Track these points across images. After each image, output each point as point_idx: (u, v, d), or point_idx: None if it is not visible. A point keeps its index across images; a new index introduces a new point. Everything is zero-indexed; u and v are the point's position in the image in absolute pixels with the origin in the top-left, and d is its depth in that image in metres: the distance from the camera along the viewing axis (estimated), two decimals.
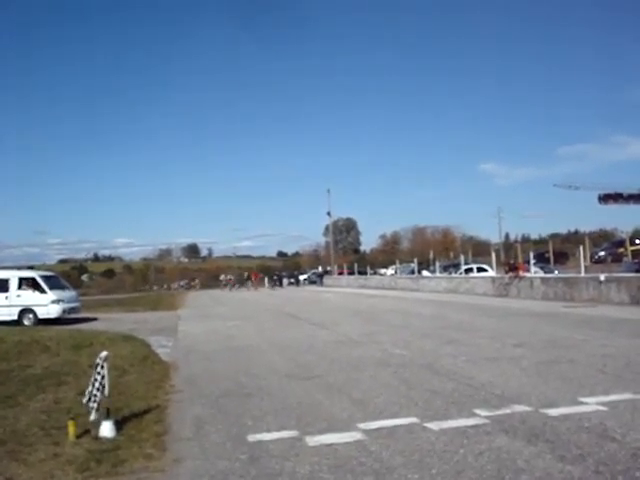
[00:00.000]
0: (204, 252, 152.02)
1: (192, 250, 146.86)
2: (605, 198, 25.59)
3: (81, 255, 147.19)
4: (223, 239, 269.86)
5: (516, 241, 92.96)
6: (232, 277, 72.88)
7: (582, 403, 7.75)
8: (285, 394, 9.22)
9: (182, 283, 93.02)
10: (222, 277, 74.90)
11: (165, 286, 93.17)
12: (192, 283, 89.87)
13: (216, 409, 8.45)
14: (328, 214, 79.14)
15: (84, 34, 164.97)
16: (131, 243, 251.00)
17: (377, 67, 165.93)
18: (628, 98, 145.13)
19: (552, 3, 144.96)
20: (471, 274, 42.47)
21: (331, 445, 6.39)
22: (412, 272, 51.94)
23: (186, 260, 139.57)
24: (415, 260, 51.97)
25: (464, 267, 44.80)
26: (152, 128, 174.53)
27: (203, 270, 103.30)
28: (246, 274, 75.54)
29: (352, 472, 5.57)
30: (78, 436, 7.01)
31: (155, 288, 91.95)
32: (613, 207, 27.14)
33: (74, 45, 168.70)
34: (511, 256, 54.37)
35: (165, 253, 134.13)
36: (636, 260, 37.45)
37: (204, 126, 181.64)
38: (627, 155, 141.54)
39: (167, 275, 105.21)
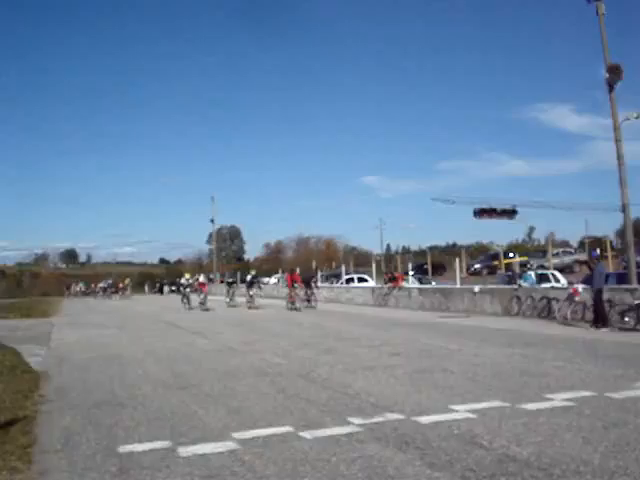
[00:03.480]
0: (83, 258, 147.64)
1: (70, 255, 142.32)
2: (480, 212, 26.49)
3: None
4: (103, 245, 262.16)
5: (397, 252, 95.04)
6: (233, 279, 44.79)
7: (453, 411, 7.94)
8: (159, 404, 9.03)
9: (103, 285, 69.15)
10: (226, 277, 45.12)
11: (67, 290, 76.93)
12: (120, 285, 67.73)
13: (87, 420, 8.18)
14: (212, 221, 78.50)
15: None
16: (5, 247, 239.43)
17: (259, 78, 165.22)
18: (504, 117, 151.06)
19: (442, 17, 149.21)
20: (352, 284, 43.04)
21: (204, 455, 6.30)
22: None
23: (64, 266, 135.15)
24: (297, 269, 52.22)
25: (345, 277, 45.34)
26: (31, 126, 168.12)
27: (81, 276, 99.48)
28: (285, 275, 44.05)
29: None
30: None
31: (73, 293, 75.04)
32: (488, 221, 28.19)
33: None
34: (392, 267, 55.45)
35: (41, 258, 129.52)
36: (509, 272, 38.88)
37: (86, 129, 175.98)
38: (502, 172, 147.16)
39: (42, 280, 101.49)
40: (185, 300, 36.90)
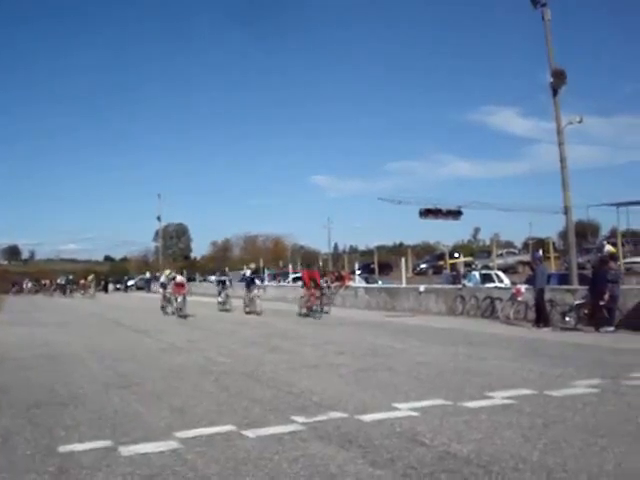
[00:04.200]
0: (26, 254, 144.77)
1: (12, 252, 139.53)
2: (425, 213, 26.87)
3: None
4: (47, 241, 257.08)
5: (344, 251, 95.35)
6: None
7: (396, 409, 8.00)
8: (101, 403, 8.90)
9: (61, 281, 64.62)
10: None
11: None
12: (82, 282, 60.29)
13: (27, 419, 8.01)
14: (158, 219, 77.94)
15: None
16: None
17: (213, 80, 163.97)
18: (452, 119, 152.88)
19: (391, 18, 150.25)
20: (299, 283, 43.02)
21: (146, 454, 6.23)
22: (243, 279, 51.97)
23: (6, 262, 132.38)
24: (245, 267, 52.06)
25: (292, 276, 45.32)
26: None
27: (25, 273, 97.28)
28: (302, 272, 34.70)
29: None
30: None
31: (25, 291, 69.61)
32: (434, 221, 28.62)
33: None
34: (339, 266, 55.59)
35: None
36: (454, 272, 39.38)
37: (25, 123, 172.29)
38: (449, 173, 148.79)
39: None
40: (166, 303, 28.94)
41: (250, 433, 6.92)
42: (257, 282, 28.70)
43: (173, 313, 27.34)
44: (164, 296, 29.61)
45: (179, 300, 26.95)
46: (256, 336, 17.76)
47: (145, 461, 6.04)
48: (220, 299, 31.24)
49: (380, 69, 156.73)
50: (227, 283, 32.40)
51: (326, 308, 26.13)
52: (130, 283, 77.00)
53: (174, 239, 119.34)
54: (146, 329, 20.98)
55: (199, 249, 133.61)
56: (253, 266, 30.31)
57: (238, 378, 10.75)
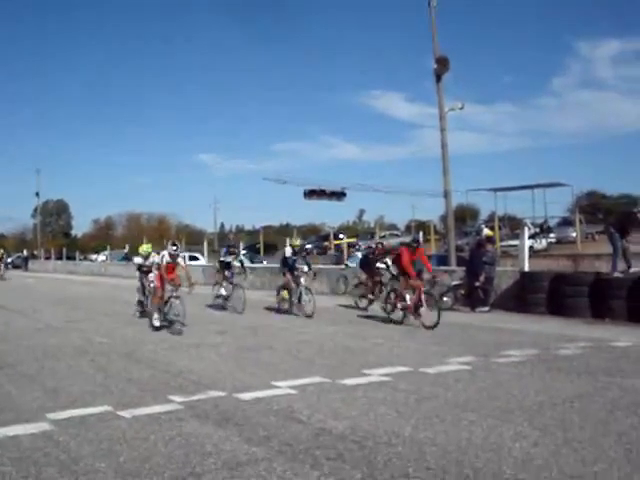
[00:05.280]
0: None
1: None
2: (310, 193, 27.18)
3: None
4: None
5: (230, 231, 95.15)
6: None
7: (274, 387, 8.09)
8: None
9: None
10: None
11: None
12: None
13: None
14: (37, 195, 75.50)
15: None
16: None
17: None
18: (338, 102, 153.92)
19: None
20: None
21: (15, 437, 6.07)
22: (124, 259, 51.00)
23: None
24: (127, 247, 51.13)
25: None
26: None
27: None
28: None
29: (36, 464, 5.33)
30: None
31: None
32: (322, 203, 28.99)
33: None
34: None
35: None
36: (337, 253, 39.88)
37: None
38: (335, 155, 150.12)
39: None
40: (142, 296, 17.00)
41: (126, 413, 6.85)
42: (301, 266, 18.28)
43: (157, 327, 14.27)
44: (143, 286, 17.03)
45: (174, 295, 14.27)
46: (134, 315, 17.31)
47: (15, 443, 5.90)
48: (220, 288, 19.25)
49: (267, 51, 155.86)
50: (237, 265, 19.79)
51: (431, 319, 14.16)
52: (8, 261, 74.09)
53: (54, 216, 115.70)
54: (20, 308, 20.11)
55: (80, 227, 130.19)
56: (298, 242, 20.04)
57: (116, 358, 10.56)
